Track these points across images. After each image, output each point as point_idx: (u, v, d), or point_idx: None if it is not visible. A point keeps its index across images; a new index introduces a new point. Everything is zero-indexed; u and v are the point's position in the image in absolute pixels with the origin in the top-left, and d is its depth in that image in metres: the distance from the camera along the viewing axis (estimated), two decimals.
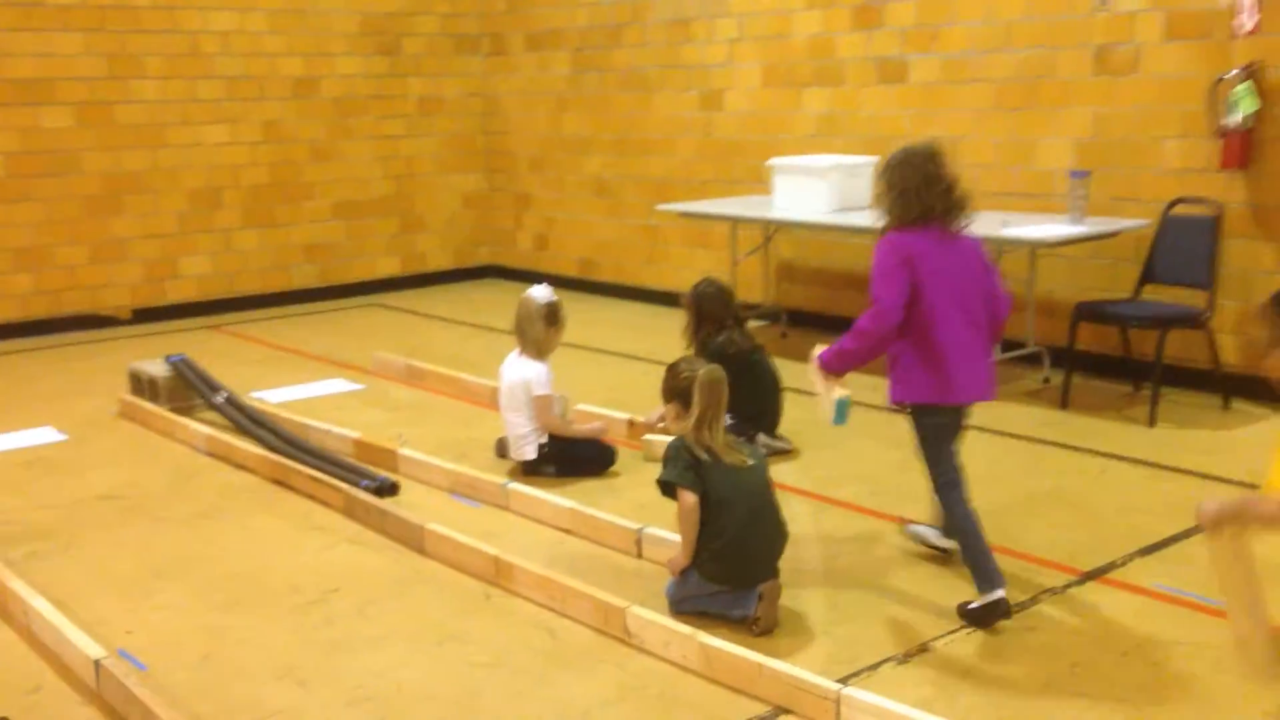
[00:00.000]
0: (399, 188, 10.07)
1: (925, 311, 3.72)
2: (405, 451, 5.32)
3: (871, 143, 7.44)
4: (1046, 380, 6.47)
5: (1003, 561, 3.89)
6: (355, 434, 5.61)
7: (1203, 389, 5.97)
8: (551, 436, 5.15)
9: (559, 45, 9.60)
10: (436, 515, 4.63)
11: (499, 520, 4.76)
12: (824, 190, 6.87)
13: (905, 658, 3.54)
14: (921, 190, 3.76)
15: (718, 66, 8.39)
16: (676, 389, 3.89)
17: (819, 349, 3.88)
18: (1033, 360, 6.57)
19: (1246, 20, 5.79)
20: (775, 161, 7.17)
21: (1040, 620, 3.77)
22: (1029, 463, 5.23)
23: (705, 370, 3.83)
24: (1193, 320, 5.78)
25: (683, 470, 3.74)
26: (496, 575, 4.11)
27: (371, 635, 3.81)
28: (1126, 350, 6.21)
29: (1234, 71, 5.83)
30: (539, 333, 5.20)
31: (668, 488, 3.80)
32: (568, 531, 4.58)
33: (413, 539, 4.47)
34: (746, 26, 8.16)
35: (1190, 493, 4.72)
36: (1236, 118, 5.81)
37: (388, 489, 5.02)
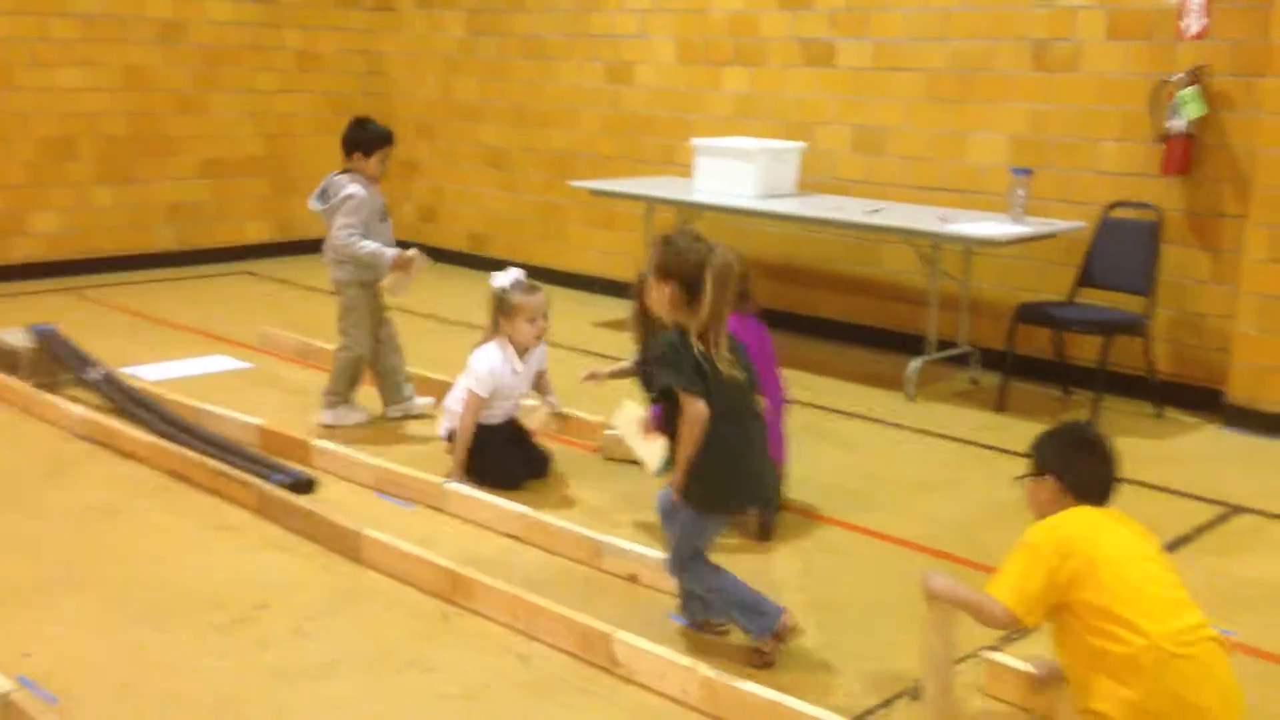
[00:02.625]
0: (272, 147, 9.37)
1: None
2: (321, 444, 4.82)
3: (794, 128, 7.18)
4: (974, 381, 6.33)
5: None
6: (259, 420, 5.07)
7: (1134, 396, 5.90)
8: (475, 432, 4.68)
9: (452, 5, 9.05)
10: (363, 517, 4.18)
11: (435, 524, 4.32)
12: (751, 175, 6.57)
13: (918, 694, 3.27)
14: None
15: (628, 38, 8.01)
16: (681, 268, 3.26)
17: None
18: (961, 360, 6.43)
19: (1194, 23, 5.72)
20: (698, 142, 6.84)
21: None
22: (982, 469, 5.04)
23: (720, 254, 3.26)
24: (1135, 327, 5.70)
25: (691, 374, 3.23)
26: (453, 591, 3.69)
27: (318, 661, 3.35)
28: (1059, 354, 6.11)
29: (1178, 75, 5.75)
30: (490, 319, 4.74)
31: (670, 394, 3.26)
32: (516, 539, 4.18)
33: (346, 546, 4.00)
34: None
35: (1151, 506, 4.62)
36: (1181, 122, 5.74)
37: (303, 485, 4.53)
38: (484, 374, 4.60)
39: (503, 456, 4.63)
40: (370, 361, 5.36)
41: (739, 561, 3.99)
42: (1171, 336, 5.98)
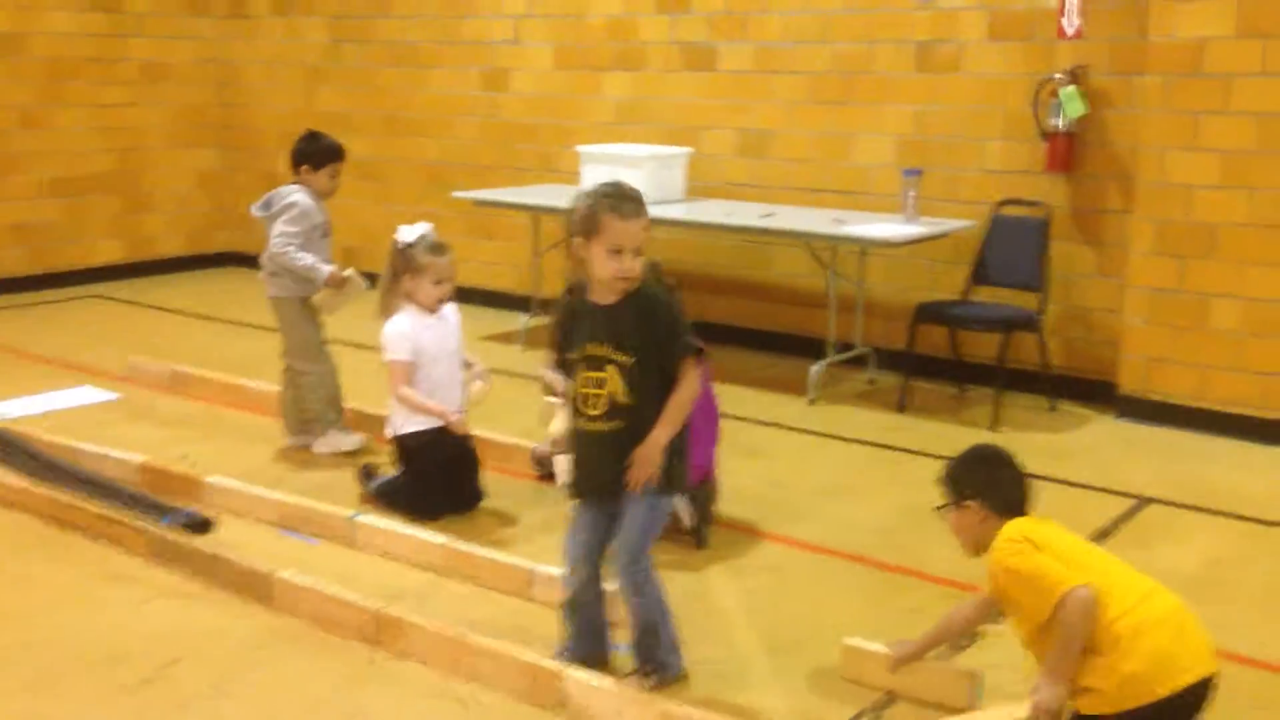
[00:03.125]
0: (123, 163, 8.89)
1: None
2: (214, 479, 4.52)
3: (677, 133, 7.10)
4: (872, 381, 6.34)
5: (930, 589, 3.64)
6: (140, 457, 4.74)
7: (1027, 390, 5.97)
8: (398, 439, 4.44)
9: (311, 10, 8.72)
10: (267, 557, 3.92)
11: (347, 560, 4.08)
12: (639, 181, 6.35)
13: (877, 710, 3.20)
14: None
15: (503, 44, 7.81)
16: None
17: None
18: (858, 362, 6.42)
19: (1071, 22, 5.82)
20: (584, 149, 6.69)
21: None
22: (893, 471, 5.02)
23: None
24: (1030, 323, 5.77)
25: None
26: (379, 633, 3.47)
27: None
28: (954, 351, 6.15)
29: (1059, 74, 5.84)
30: (386, 275, 4.46)
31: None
32: (438, 572, 3.97)
33: (257, 589, 3.74)
34: (536, 3, 7.63)
35: (1063, 501, 4.65)
36: (1063, 121, 5.84)
37: (199, 525, 4.23)
38: (394, 334, 4.37)
39: (431, 483, 4.38)
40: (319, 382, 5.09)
41: (676, 581, 3.88)
42: (1062, 331, 6.07)
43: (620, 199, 3.10)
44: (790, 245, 6.60)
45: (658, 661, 3.25)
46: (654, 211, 6.27)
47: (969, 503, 2.93)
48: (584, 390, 3.14)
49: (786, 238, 6.18)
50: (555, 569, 3.74)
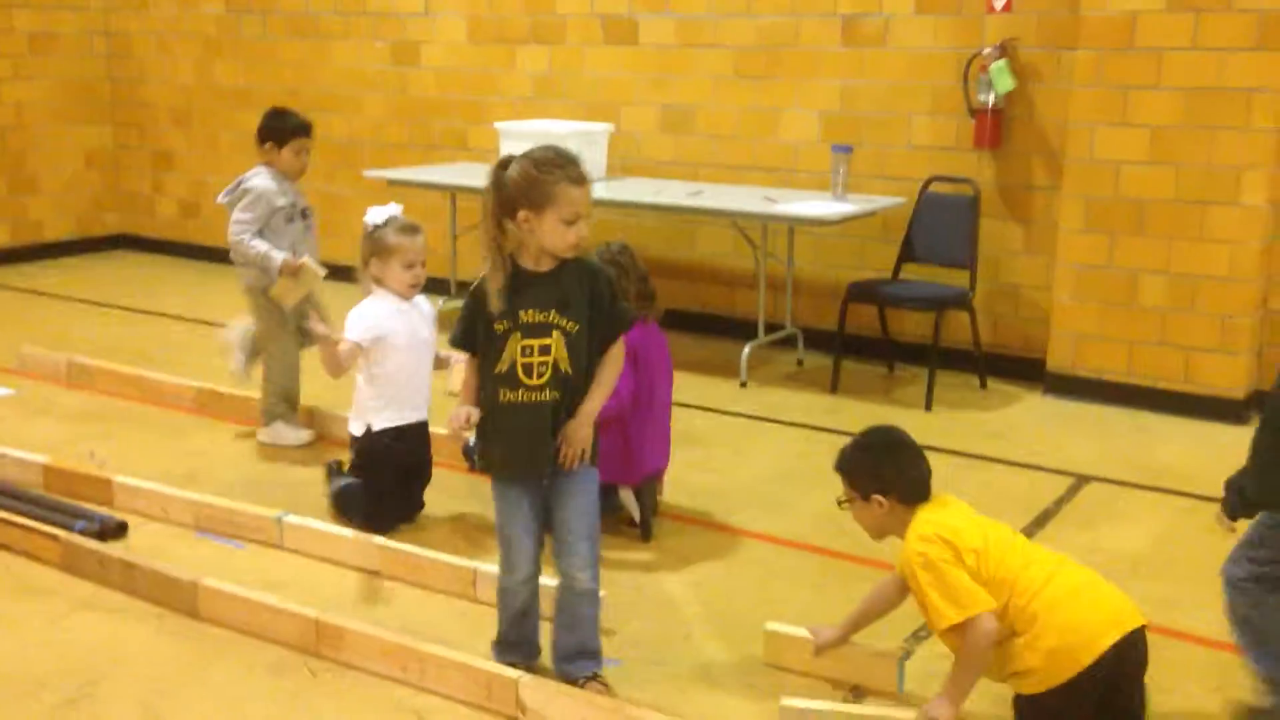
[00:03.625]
0: (4, 141, 8.40)
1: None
2: (124, 480, 4.24)
3: (597, 108, 6.91)
4: (800, 362, 6.25)
5: (879, 575, 3.52)
6: (43, 458, 4.44)
7: (956, 368, 5.93)
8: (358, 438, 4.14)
9: None
10: (188, 563, 3.69)
11: (276, 565, 3.85)
12: None
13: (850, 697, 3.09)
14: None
15: (413, 16, 7.53)
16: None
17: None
18: (788, 343, 6.33)
19: None
20: (503, 126, 6.47)
21: None
22: (832, 456, 4.92)
23: None
24: (962, 301, 5.72)
25: None
26: (319, 642, 3.26)
27: None
28: (884, 331, 6.09)
29: (987, 49, 5.79)
30: (360, 260, 4.18)
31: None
32: (376, 574, 3.77)
33: (181, 600, 3.50)
34: None
35: (1001, 481, 4.62)
36: (992, 96, 5.79)
37: (112, 530, 3.97)
38: (353, 316, 4.07)
39: (387, 493, 4.06)
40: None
41: (625, 576, 3.74)
42: (991, 308, 6.05)
43: (568, 164, 2.91)
44: (715, 224, 6.48)
45: (598, 658, 3.14)
46: None
47: (874, 497, 2.88)
48: (526, 360, 2.95)
49: (716, 217, 6.04)
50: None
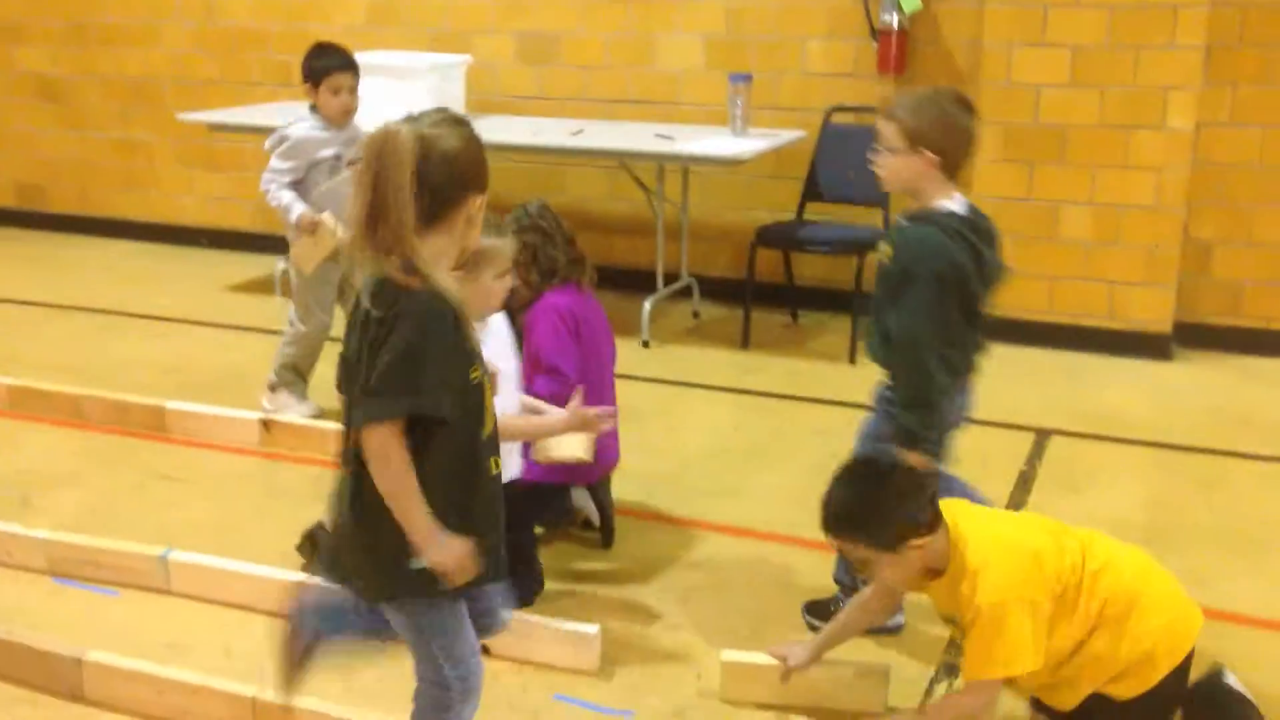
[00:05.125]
0: None
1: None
2: None
3: (443, 38, 6.14)
4: (697, 315, 5.72)
5: None
6: None
7: (866, 313, 5.51)
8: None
9: None
10: (50, 624, 2.91)
11: (166, 617, 3.08)
12: (420, 97, 5.44)
13: None
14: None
15: None
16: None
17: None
18: (682, 294, 5.79)
19: None
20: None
21: None
22: (774, 425, 4.43)
23: None
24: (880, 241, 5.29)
25: None
26: None
27: None
28: (788, 276, 5.62)
29: None
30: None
31: None
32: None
33: (59, 680, 2.72)
34: None
35: (970, 442, 4.22)
36: (896, 16, 5.34)
37: None
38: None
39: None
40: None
41: (602, 598, 3.15)
42: None
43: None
44: (589, 166, 5.85)
45: None
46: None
47: (911, 543, 2.30)
48: (492, 422, 2.15)
49: (605, 158, 5.41)
50: None
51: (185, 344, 5.29)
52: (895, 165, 2.83)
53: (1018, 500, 3.81)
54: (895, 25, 5.35)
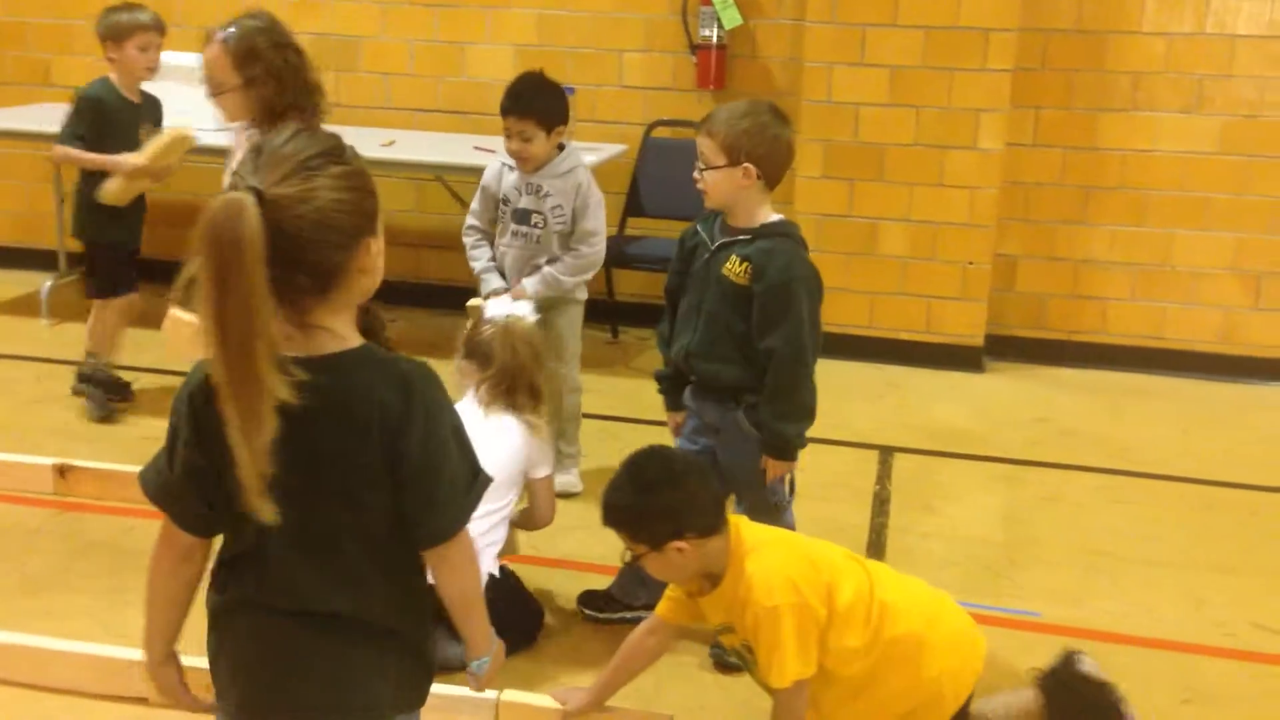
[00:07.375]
0: None
1: None
2: None
3: None
4: None
5: None
6: None
7: None
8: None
9: None
10: None
11: None
12: (200, 99, 5.00)
13: None
14: None
15: None
16: None
17: None
18: None
19: None
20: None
21: None
22: (616, 447, 4.26)
23: None
24: None
25: None
26: None
27: None
28: (609, 292, 5.48)
29: None
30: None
31: None
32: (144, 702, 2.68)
33: None
34: None
35: (817, 460, 4.19)
36: (716, 31, 5.29)
37: None
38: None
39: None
40: None
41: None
42: None
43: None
44: (395, 177, 5.55)
45: None
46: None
47: (671, 544, 2.29)
48: None
49: (423, 171, 5.13)
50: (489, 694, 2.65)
51: None
52: (717, 180, 2.80)
53: (879, 524, 3.80)
54: (715, 40, 5.31)
